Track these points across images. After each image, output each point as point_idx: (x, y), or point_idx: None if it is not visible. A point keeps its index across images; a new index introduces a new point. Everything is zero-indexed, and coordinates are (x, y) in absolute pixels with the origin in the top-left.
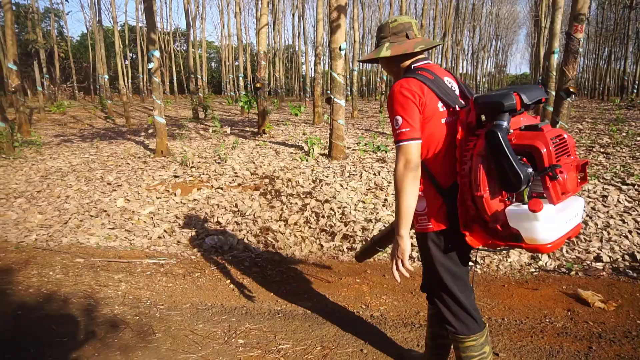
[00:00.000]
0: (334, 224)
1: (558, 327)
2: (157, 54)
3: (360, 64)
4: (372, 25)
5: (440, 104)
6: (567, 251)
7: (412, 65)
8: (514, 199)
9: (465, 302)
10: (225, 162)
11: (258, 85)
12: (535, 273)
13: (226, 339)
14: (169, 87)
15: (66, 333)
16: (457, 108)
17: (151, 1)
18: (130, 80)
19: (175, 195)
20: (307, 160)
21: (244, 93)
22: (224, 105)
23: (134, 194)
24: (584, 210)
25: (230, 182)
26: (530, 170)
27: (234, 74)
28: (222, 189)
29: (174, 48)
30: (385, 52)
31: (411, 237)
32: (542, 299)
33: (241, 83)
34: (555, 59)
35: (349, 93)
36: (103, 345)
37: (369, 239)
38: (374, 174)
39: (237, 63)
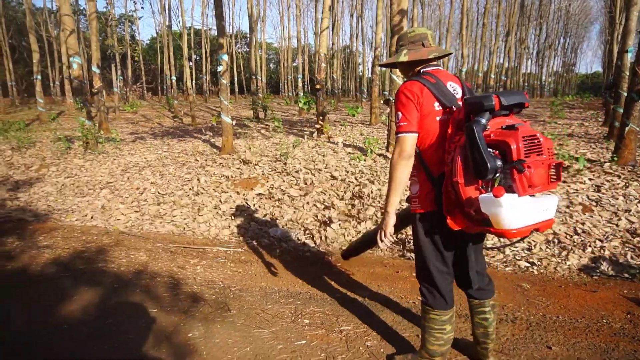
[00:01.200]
0: None
1: (615, 328)
2: (225, 57)
3: None
4: (431, 25)
5: (436, 104)
6: (632, 257)
7: (422, 70)
8: (489, 189)
9: (438, 282)
10: (287, 160)
11: (318, 86)
12: (595, 277)
13: (293, 318)
14: (230, 87)
15: (155, 305)
16: (454, 108)
17: (221, 8)
18: (194, 81)
19: (240, 190)
20: (364, 160)
21: (302, 94)
22: (282, 105)
23: (203, 188)
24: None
25: (291, 179)
26: (498, 162)
27: (292, 74)
28: (283, 185)
29: (236, 50)
30: (403, 58)
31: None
32: (600, 301)
33: (299, 84)
34: (629, 58)
35: None
36: (187, 317)
37: (360, 236)
38: None
39: (295, 64)
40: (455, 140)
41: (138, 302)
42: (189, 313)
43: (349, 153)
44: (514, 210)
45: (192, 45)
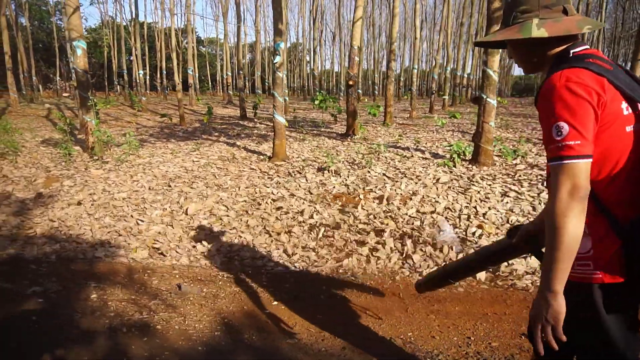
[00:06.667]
0: None
1: None
2: (282, 45)
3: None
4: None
5: (625, 105)
6: None
7: (571, 51)
8: None
9: None
10: (370, 168)
11: (350, 82)
12: None
13: None
14: (182, 85)
15: None
16: None
17: None
18: (148, 77)
19: (343, 207)
20: (455, 167)
21: (272, 91)
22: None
23: (292, 204)
24: None
25: (397, 192)
26: None
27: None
28: (395, 200)
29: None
30: (538, 32)
31: None
32: None
33: (284, 81)
34: None
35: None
36: None
37: (441, 267)
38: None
39: (243, 61)
40: None
41: None
42: None
43: (424, 159)
44: None
45: (145, 38)
